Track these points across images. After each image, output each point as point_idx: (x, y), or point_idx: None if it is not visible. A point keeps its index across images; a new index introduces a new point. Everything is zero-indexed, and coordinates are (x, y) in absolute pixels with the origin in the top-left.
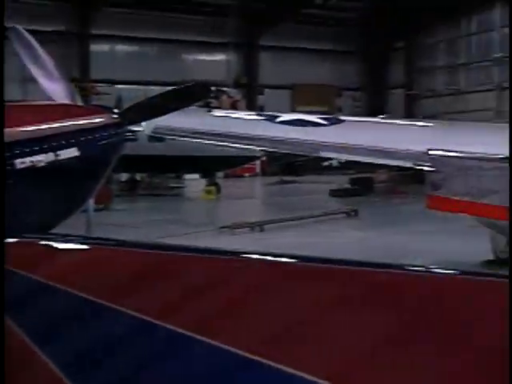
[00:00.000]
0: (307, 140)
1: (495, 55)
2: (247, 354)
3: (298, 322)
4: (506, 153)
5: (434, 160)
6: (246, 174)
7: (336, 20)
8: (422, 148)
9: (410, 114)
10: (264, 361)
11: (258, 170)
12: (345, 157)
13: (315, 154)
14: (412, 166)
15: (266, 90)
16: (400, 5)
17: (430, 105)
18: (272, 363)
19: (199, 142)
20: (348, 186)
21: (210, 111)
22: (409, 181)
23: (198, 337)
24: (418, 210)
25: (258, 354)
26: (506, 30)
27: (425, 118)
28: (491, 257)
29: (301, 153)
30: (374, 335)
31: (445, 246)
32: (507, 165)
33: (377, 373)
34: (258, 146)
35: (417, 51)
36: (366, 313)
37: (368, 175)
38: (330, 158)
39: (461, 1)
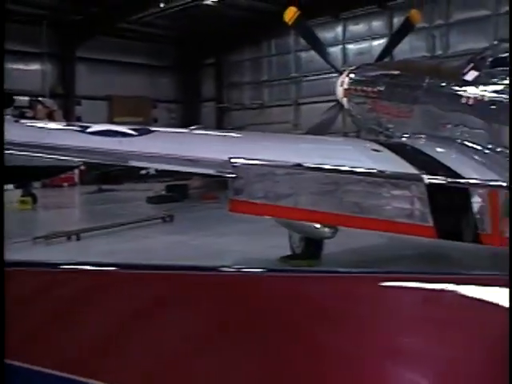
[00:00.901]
0: (116, 150)
1: (292, 74)
2: (62, 374)
3: (110, 333)
4: (297, 160)
5: (236, 167)
6: (65, 184)
7: (152, 36)
8: (224, 156)
9: (220, 126)
10: (76, 378)
11: (76, 179)
12: (152, 166)
13: (124, 164)
14: (216, 173)
15: (84, 100)
16: (208, 27)
17: (238, 117)
18: (84, 379)
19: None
20: (164, 192)
21: (17, 121)
22: (221, 187)
23: (13, 362)
24: (227, 214)
25: (71, 371)
26: (299, 54)
27: (233, 129)
28: (289, 252)
29: (110, 162)
30: (187, 336)
31: (250, 245)
32: (297, 171)
33: (187, 374)
34: (69, 157)
35: (226, 68)
36: (180, 315)
37: (183, 182)
38: (142, 168)
39: (262, 26)
